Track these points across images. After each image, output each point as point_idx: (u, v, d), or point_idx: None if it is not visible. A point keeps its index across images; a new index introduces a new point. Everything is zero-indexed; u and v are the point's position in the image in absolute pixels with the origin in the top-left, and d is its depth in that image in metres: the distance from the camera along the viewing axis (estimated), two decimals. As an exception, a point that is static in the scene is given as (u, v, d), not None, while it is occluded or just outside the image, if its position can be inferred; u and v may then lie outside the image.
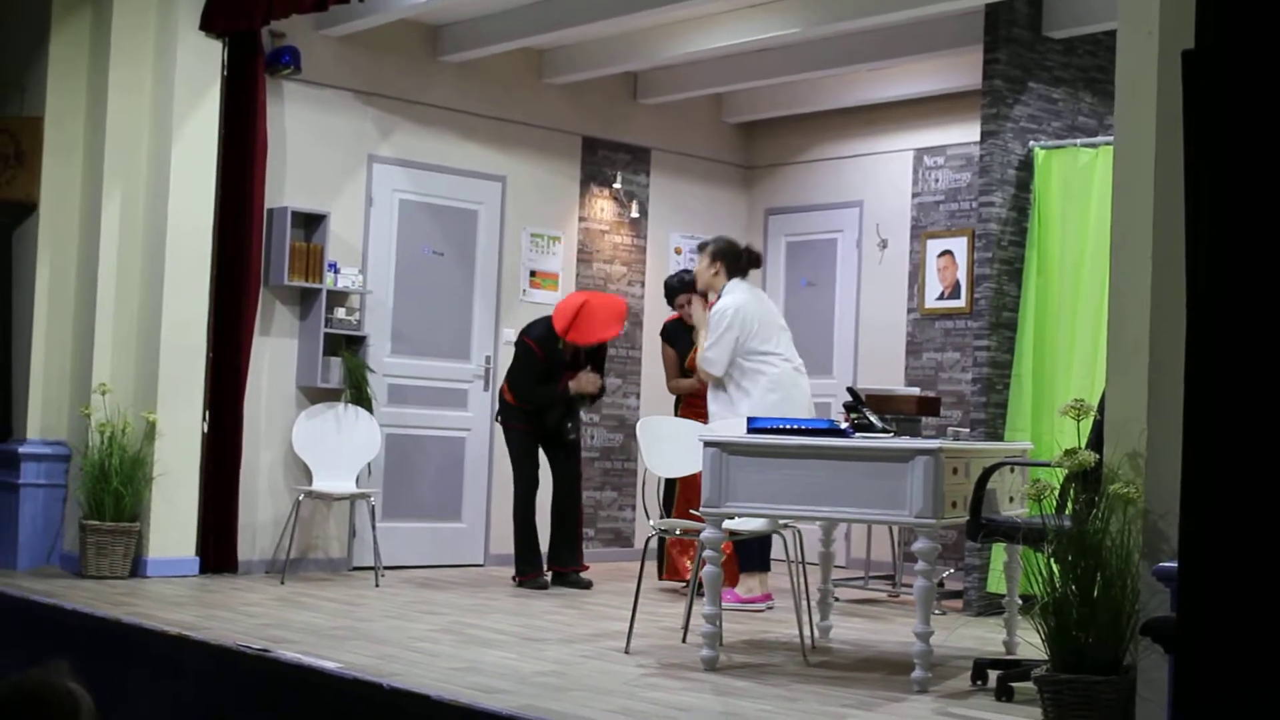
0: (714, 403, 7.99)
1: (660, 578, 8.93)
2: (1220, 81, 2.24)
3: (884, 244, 10.89)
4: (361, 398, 9.37)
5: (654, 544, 8.17)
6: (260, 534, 9.16)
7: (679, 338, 9.03)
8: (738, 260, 8.10)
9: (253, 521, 9.11)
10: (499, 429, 9.70)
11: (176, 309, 8.69)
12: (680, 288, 8.97)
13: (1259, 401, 2.11)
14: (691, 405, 8.81)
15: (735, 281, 8.04)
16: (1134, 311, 4.58)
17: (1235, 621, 2.04)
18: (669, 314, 9.21)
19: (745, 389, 7.87)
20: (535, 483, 9.00)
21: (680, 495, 8.50)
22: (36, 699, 2.47)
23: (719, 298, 8.09)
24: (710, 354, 7.90)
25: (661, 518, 7.31)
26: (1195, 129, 2.32)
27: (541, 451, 9.10)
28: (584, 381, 8.95)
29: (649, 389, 10.92)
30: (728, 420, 7.65)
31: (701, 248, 8.30)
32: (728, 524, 6.46)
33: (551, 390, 8.87)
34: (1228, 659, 2.05)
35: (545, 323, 9.04)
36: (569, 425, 9.00)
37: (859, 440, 6.08)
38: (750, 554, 8.24)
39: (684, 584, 8.84)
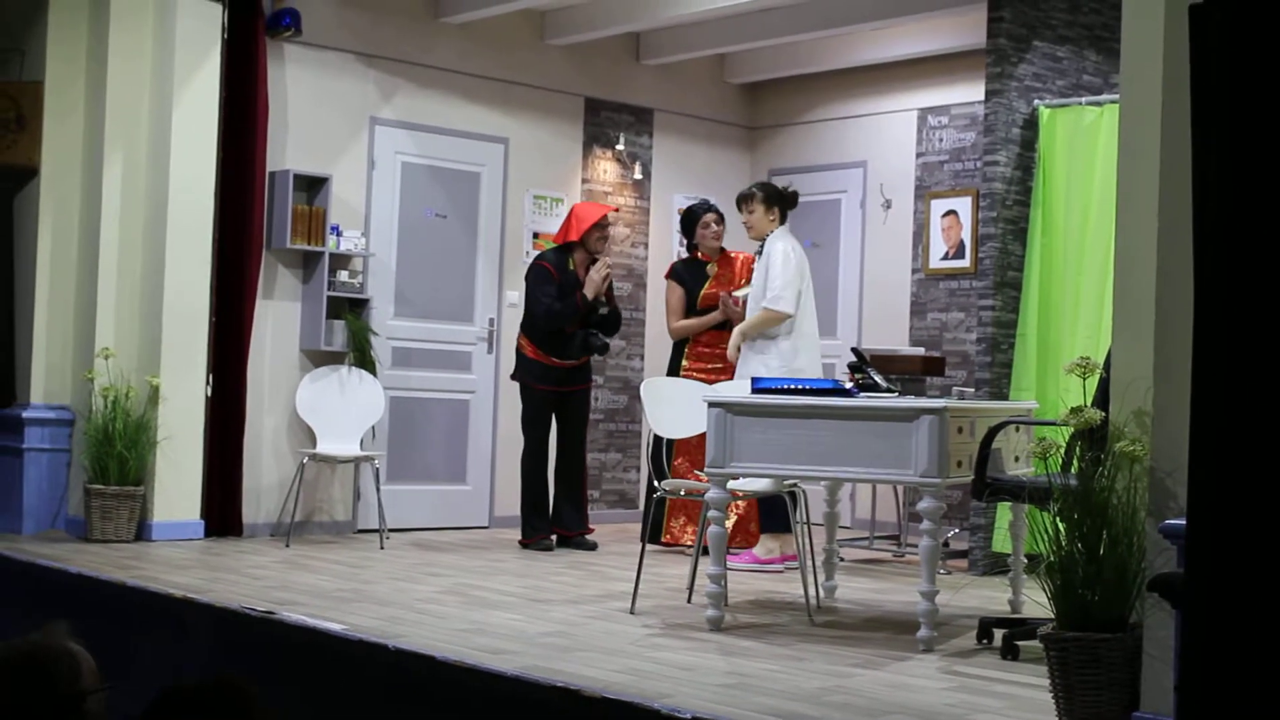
0: (761, 346, 8.01)
1: (658, 540, 8.87)
2: (1227, 37, 2.22)
3: (888, 204, 10.85)
4: (365, 361, 9.36)
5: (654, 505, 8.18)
6: (265, 497, 9.17)
7: (689, 273, 9.02)
8: (782, 200, 8.14)
9: (257, 485, 9.12)
10: (505, 390, 9.71)
11: (179, 273, 8.68)
12: (705, 209, 9.04)
13: (1267, 359, 2.10)
14: (697, 359, 8.79)
15: (784, 229, 8.11)
16: (1140, 269, 4.56)
17: (1242, 576, 2.04)
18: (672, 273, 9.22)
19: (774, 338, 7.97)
20: (546, 445, 8.99)
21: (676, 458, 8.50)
22: (37, 661, 2.47)
23: (763, 243, 8.08)
24: (786, 293, 7.92)
25: (661, 478, 7.28)
26: (1202, 85, 2.31)
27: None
28: (592, 275, 8.89)
29: (653, 350, 10.91)
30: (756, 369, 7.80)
31: (744, 199, 8.20)
32: (732, 485, 6.45)
33: (570, 304, 8.84)
34: (1234, 614, 2.04)
35: (554, 247, 9.14)
36: (594, 337, 8.93)
37: (864, 400, 6.07)
38: (775, 515, 8.20)
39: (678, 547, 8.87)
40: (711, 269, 8.96)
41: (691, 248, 9.20)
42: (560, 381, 8.93)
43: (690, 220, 9.13)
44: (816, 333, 8.21)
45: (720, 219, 9.06)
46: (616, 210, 10.04)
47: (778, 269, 7.92)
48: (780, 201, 8.09)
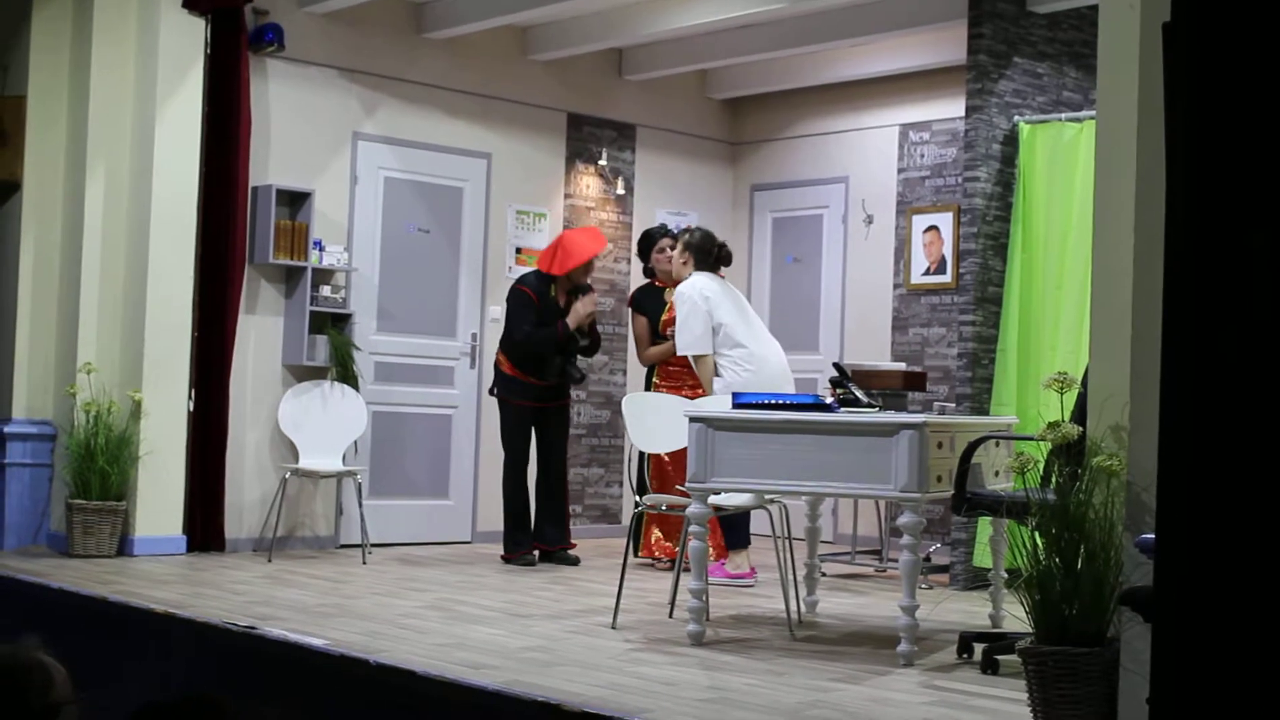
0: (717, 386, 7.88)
1: (636, 554, 8.86)
2: (1198, 52, 2.25)
3: (870, 219, 10.89)
4: (347, 375, 9.36)
5: (634, 520, 8.17)
6: (247, 512, 9.16)
7: (648, 300, 9.00)
8: (708, 256, 8.06)
9: (239, 500, 9.11)
10: (487, 405, 9.71)
11: (161, 287, 8.68)
12: (661, 234, 9.01)
13: (1233, 373, 2.12)
14: (667, 378, 8.78)
15: (700, 274, 7.97)
16: (1117, 285, 4.58)
17: (1210, 589, 2.05)
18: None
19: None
20: (525, 459, 8.99)
21: (653, 474, 8.47)
22: (10, 673, 2.47)
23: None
24: (684, 338, 7.80)
25: (641, 493, 7.27)
26: (1175, 100, 2.33)
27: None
28: (578, 308, 8.88)
29: (636, 366, 10.90)
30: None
31: (678, 235, 8.29)
32: (713, 499, 6.46)
33: (552, 332, 8.83)
34: (1204, 627, 2.06)
35: (536, 271, 9.08)
36: (572, 367, 8.94)
37: (844, 415, 6.08)
38: (736, 530, 8.25)
39: (656, 560, 8.87)
40: (668, 294, 8.91)
41: (649, 272, 9.17)
42: (538, 397, 8.94)
43: (647, 243, 9.11)
44: (772, 355, 7.96)
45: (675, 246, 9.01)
46: (604, 249, 9.68)
47: (678, 314, 7.87)
48: (698, 253, 8.03)
